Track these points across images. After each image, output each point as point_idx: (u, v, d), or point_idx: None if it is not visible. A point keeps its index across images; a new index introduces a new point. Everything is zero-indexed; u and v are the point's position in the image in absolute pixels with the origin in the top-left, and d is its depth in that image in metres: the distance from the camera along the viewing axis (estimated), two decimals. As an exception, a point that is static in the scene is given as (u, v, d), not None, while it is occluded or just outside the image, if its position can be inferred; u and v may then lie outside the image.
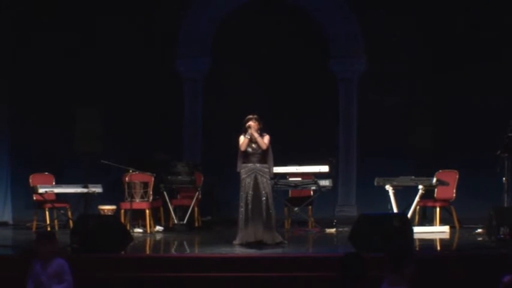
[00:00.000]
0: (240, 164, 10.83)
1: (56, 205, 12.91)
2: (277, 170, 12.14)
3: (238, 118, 13.46)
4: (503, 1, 13.80)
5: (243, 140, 10.81)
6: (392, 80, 14.02)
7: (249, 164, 10.79)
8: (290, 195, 13.29)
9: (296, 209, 12.85)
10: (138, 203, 12.71)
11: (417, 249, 10.43)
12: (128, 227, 11.95)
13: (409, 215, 11.86)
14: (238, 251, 10.34)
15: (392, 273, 5.81)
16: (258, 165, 10.79)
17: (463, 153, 13.55)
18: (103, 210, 12.63)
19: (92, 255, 9.61)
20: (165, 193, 12.93)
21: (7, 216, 13.86)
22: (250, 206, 10.66)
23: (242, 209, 10.72)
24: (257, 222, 10.64)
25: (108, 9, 14.15)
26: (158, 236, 12.38)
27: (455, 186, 12.81)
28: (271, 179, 11.23)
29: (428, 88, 14.09)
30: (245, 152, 10.82)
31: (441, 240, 11.61)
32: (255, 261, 9.69)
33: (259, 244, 10.54)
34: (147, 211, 12.69)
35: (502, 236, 10.65)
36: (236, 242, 10.72)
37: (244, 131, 10.88)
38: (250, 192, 10.70)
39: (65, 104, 14.03)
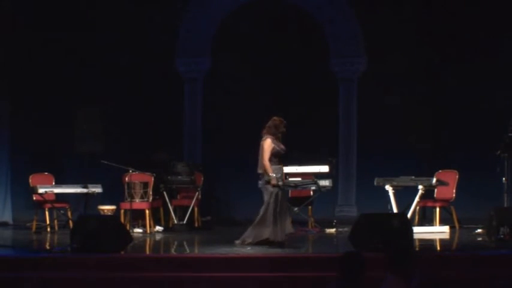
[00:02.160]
0: (269, 164, 10.79)
1: (56, 205, 12.90)
2: (277, 170, 12.14)
3: (238, 118, 13.50)
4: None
5: (272, 146, 10.83)
6: (392, 80, 14.02)
7: (280, 165, 10.90)
8: (290, 195, 13.26)
9: (296, 209, 12.85)
10: (138, 203, 12.71)
11: (417, 249, 10.43)
12: (128, 227, 11.95)
13: (409, 215, 11.86)
14: (238, 251, 10.34)
15: (393, 273, 5.82)
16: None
17: (463, 153, 13.55)
18: (103, 210, 12.64)
19: (92, 255, 9.61)
20: (165, 193, 12.93)
21: (7, 216, 13.87)
22: (279, 205, 10.73)
23: (271, 208, 10.70)
24: (283, 220, 10.75)
25: (108, 9, 14.15)
26: (158, 236, 12.38)
27: (455, 186, 12.80)
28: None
29: (428, 88, 14.08)
30: (276, 152, 10.87)
31: (441, 240, 11.61)
32: (255, 261, 9.69)
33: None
34: (147, 211, 12.69)
35: (502, 236, 10.64)
36: (251, 240, 10.69)
37: (274, 132, 10.87)
38: (280, 192, 10.80)
39: (65, 104, 14.02)
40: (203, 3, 14.55)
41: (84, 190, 12.66)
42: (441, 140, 13.99)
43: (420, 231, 11.83)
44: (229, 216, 14.03)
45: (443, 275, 9.00)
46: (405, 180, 12.48)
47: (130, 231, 11.83)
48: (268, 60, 14.15)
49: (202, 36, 14.55)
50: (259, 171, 10.91)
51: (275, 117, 10.98)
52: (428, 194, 12.67)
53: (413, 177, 12.51)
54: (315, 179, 12.78)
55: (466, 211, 12.83)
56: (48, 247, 11.11)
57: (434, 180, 12.44)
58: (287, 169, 12.95)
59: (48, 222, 12.83)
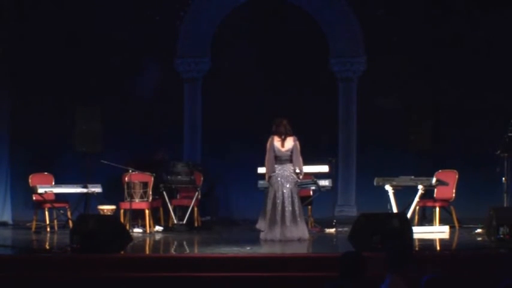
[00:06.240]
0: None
1: (56, 205, 12.90)
2: (277, 170, 12.14)
3: (238, 118, 13.49)
4: (502, 0, 13.80)
5: None
6: (392, 80, 14.01)
7: None
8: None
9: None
10: (137, 203, 12.71)
11: (417, 249, 10.42)
12: (128, 227, 11.95)
13: (408, 215, 11.86)
14: (237, 250, 10.34)
15: (392, 273, 5.81)
16: None
17: (463, 153, 13.54)
18: (103, 210, 12.63)
19: (92, 255, 9.61)
20: (164, 193, 12.93)
21: (7, 216, 13.85)
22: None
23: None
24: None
25: (108, 8, 14.15)
26: (158, 236, 12.38)
27: (454, 186, 12.80)
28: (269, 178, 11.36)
29: (428, 88, 14.08)
30: None
31: (441, 240, 11.61)
32: (255, 261, 9.69)
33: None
34: (147, 211, 12.69)
35: (501, 236, 10.62)
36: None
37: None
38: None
39: (65, 103, 14.03)
40: (203, 3, 14.54)
41: (84, 190, 12.67)
42: (441, 140, 13.98)
43: (420, 231, 11.83)
44: (229, 216, 14.02)
45: (443, 275, 9.01)
46: (405, 180, 12.48)
47: (130, 231, 11.84)
48: (268, 60, 14.14)
49: (202, 36, 14.54)
50: (299, 170, 11.34)
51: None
52: (428, 194, 12.67)
53: (413, 177, 12.51)
54: (315, 179, 12.77)
55: (466, 211, 12.83)
56: (47, 247, 11.11)
57: (434, 180, 12.43)
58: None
59: (47, 222, 12.83)
